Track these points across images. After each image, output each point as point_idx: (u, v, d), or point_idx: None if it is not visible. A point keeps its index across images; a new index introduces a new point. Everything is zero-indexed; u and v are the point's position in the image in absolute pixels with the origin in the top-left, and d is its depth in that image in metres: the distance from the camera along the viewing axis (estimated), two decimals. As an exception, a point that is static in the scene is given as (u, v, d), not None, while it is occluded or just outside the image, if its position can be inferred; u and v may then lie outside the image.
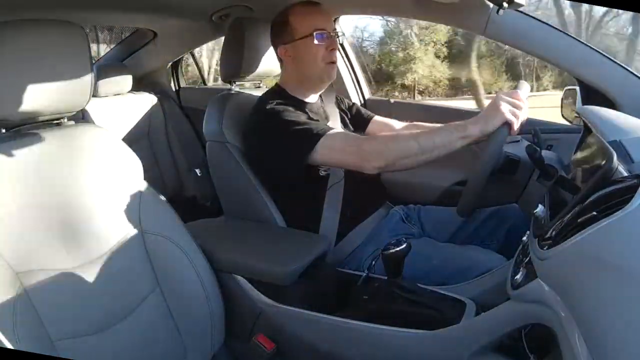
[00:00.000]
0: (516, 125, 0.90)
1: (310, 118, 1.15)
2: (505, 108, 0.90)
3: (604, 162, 0.61)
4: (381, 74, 9.20)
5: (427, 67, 8.94)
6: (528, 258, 0.71)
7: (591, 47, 1.24)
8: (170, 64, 2.25)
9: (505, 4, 1.13)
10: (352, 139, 1.06)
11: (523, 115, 0.92)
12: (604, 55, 1.23)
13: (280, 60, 1.25)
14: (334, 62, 1.19)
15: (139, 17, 1.82)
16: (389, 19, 8.75)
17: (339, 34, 1.22)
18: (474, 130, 0.92)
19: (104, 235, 0.89)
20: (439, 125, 1.25)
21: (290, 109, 1.12)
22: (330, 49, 1.17)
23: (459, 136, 0.93)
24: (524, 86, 0.97)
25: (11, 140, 0.84)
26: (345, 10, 1.60)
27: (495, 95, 0.94)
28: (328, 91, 1.33)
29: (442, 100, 8.44)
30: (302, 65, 1.19)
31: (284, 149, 1.09)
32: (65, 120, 0.94)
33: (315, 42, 1.16)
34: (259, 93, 1.28)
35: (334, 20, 1.65)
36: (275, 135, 1.10)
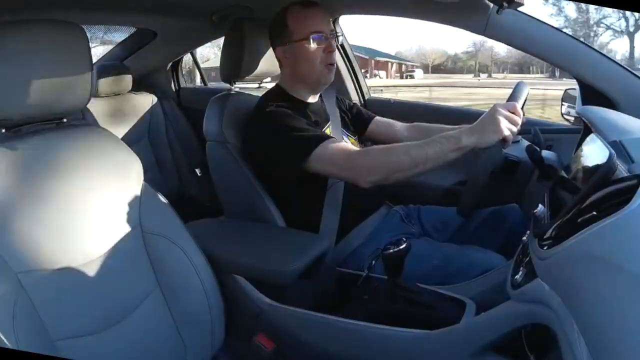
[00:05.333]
0: (511, 138, 0.90)
1: (310, 120, 1.14)
2: (503, 124, 0.89)
3: (604, 162, 0.61)
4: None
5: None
6: (528, 258, 0.71)
7: (591, 47, 1.24)
8: (170, 64, 2.25)
9: (505, 4, 1.13)
10: (346, 152, 1.04)
11: (519, 127, 0.91)
12: (604, 55, 1.23)
13: (279, 60, 1.25)
14: (332, 65, 1.18)
15: (139, 17, 1.82)
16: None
17: (338, 34, 1.21)
18: (468, 142, 0.91)
19: (104, 235, 0.88)
20: (437, 125, 1.26)
21: (290, 112, 1.11)
22: (328, 51, 1.16)
23: (452, 148, 0.92)
24: (522, 91, 0.95)
25: (11, 140, 0.83)
26: (345, 10, 1.60)
27: (492, 106, 0.92)
28: (328, 91, 1.33)
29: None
30: (300, 67, 1.19)
31: (281, 153, 1.09)
32: (65, 120, 0.94)
33: (313, 44, 1.15)
34: (258, 93, 1.28)
35: (334, 21, 1.65)
36: (272, 138, 1.10)
